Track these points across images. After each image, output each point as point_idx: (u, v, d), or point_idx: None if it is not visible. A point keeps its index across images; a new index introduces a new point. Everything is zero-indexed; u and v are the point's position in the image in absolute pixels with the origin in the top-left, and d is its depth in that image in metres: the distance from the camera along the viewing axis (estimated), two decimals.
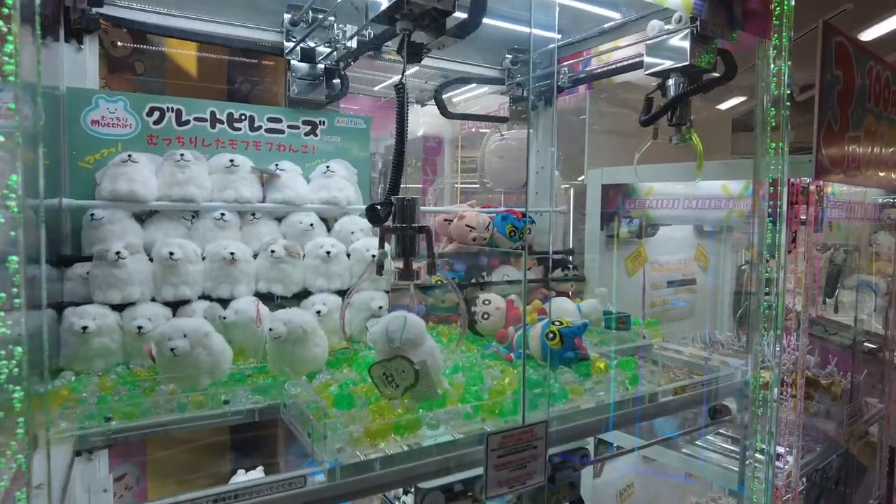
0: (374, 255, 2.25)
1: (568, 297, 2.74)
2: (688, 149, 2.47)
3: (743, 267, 2.56)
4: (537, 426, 1.52)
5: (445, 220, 2.75)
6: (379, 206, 1.64)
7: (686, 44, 2.08)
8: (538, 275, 2.89)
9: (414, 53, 1.72)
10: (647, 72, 2.25)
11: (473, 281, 2.63)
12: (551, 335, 1.84)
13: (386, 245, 1.66)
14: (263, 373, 1.84)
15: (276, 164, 2.38)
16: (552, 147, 3.04)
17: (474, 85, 4.30)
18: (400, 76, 1.70)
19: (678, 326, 3.44)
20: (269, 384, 1.71)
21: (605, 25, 2.47)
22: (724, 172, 2.42)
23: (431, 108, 6.11)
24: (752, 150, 2.21)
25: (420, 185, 5.83)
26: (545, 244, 3.13)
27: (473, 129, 5.59)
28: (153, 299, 2.01)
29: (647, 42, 2.22)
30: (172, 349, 1.62)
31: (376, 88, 5.57)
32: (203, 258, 2.11)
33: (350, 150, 2.59)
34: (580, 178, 3.49)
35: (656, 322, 2.62)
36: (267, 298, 2.16)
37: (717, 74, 2.18)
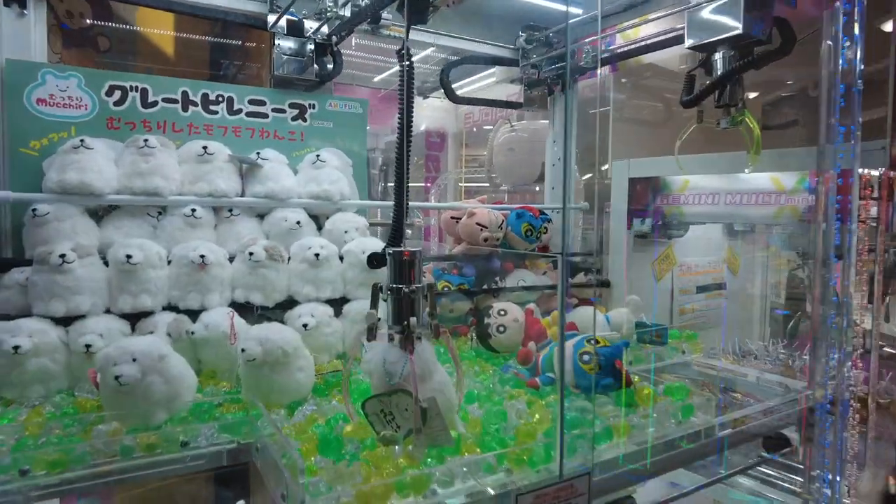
0: (374, 260, 1.92)
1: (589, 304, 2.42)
2: (731, 136, 2.14)
3: (794, 271, 2.24)
4: (578, 479, 1.19)
5: (453, 217, 2.42)
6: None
7: (738, 11, 1.75)
8: (554, 280, 2.57)
9: (418, 11, 1.40)
10: (689, 45, 1.92)
11: (485, 287, 2.30)
12: (586, 357, 1.52)
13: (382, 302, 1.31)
14: (238, 402, 1.52)
15: (258, 153, 2.06)
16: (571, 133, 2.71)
17: (480, 75, 3.99)
18: (403, 42, 1.37)
19: (705, 336, 3.12)
20: (240, 419, 1.38)
21: None
22: (773, 163, 2.10)
23: (434, 100, 5.78)
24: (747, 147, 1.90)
25: (422, 184, 5.51)
26: (563, 245, 2.80)
27: (481, 124, 5.27)
28: (108, 311, 1.68)
29: (690, 10, 1.89)
30: (117, 377, 1.29)
31: (376, 79, 5.24)
32: (169, 262, 1.78)
33: (344, 138, 2.26)
34: (605, 168, 3.16)
35: (695, 335, 2.30)
36: (245, 309, 1.83)
37: (771, 47, 1.86)
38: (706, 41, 1.86)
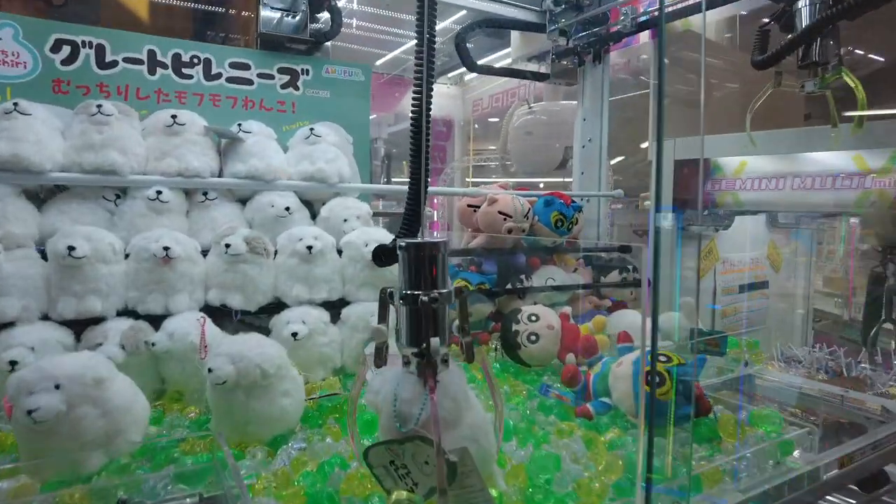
0: (381, 255, 1.58)
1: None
2: (792, 109, 1.80)
3: (877, 268, 1.89)
4: None
5: (470, 206, 2.07)
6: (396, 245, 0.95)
7: None
8: (586, 278, 2.22)
9: None
10: None
11: (509, 286, 1.95)
12: (657, 378, 1.18)
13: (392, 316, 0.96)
14: (204, 438, 1.18)
15: (240, 125, 1.71)
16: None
17: (493, 56, 3.64)
18: None
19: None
20: (203, 465, 1.03)
21: None
22: (856, 139, 1.76)
23: (440, 86, 5.42)
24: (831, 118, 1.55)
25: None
26: (593, 238, 2.46)
27: (490, 112, 4.92)
28: (46, 317, 1.34)
29: None
30: (31, 412, 0.94)
31: (379, 62, 4.87)
32: (126, 256, 1.44)
33: (344, 110, 1.92)
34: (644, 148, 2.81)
35: (757, 342, 1.96)
36: (221, 315, 1.49)
37: None
38: None
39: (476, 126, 5.15)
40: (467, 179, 5.05)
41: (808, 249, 2.93)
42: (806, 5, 1.52)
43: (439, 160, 5.36)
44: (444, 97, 5.08)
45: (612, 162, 2.66)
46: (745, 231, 2.71)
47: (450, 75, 4.90)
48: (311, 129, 1.76)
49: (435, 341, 0.85)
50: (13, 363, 1.21)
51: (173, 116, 1.59)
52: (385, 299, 0.92)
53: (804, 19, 1.52)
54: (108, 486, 0.96)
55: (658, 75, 0.89)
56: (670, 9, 2.08)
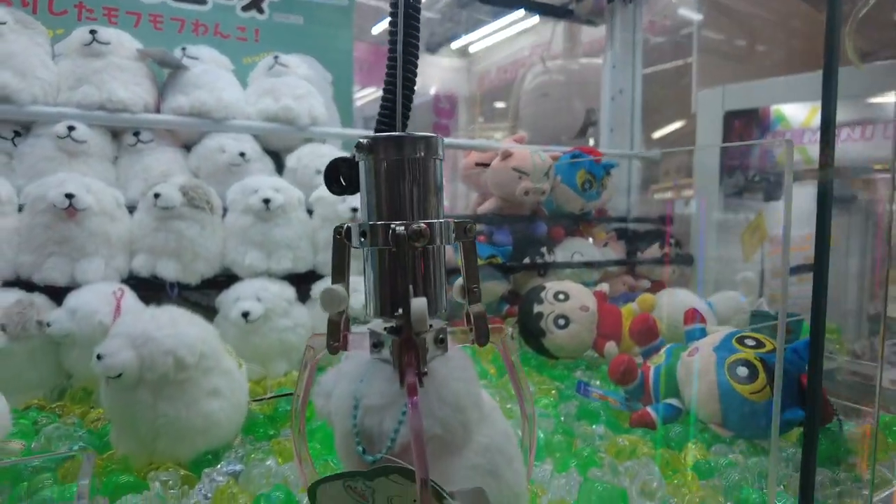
0: (354, 210, 1.21)
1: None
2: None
3: None
4: None
5: (478, 164, 1.70)
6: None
7: None
8: (619, 254, 1.85)
9: None
10: None
11: (527, 261, 1.58)
12: (744, 370, 0.81)
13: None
14: (106, 449, 0.82)
15: (184, 49, 1.34)
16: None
17: (503, 21, 3.27)
18: None
19: None
20: (66, 501, 0.66)
21: None
22: None
23: (442, 59, 5.04)
24: None
25: None
26: (623, 209, 2.09)
27: (499, 85, 4.54)
28: None
29: None
30: None
31: (375, 32, 4.50)
32: (20, 208, 1.07)
33: (320, 40, 1.55)
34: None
35: (839, 329, 1.59)
36: (150, 287, 1.12)
37: None
38: None
39: (481, 118, 4.77)
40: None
41: (863, 227, 2.55)
42: None
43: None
44: (448, 71, 4.70)
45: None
46: (798, 202, 2.34)
47: (453, 46, 4.51)
48: (276, 58, 1.39)
49: (419, 304, 0.48)
50: None
51: (92, 32, 1.22)
52: (341, 241, 0.54)
53: None
54: None
55: None
56: None
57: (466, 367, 0.54)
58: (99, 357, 0.76)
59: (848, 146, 1.65)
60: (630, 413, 0.92)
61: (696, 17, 2.21)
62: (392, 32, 0.56)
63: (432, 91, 4.80)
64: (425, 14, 3.32)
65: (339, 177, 0.62)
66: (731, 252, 2.05)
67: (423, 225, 0.49)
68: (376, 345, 0.52)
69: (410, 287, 0.50)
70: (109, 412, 0.81)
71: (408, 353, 0.48)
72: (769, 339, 0.91)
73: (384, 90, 0.57)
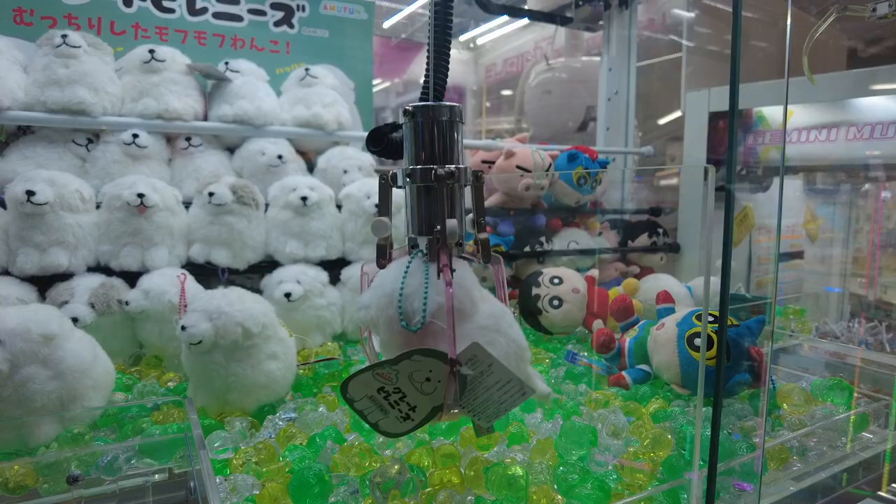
0: (377, 205, 1.40)
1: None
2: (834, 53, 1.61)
3: None
4: None
5: (484, 161, 1.88)
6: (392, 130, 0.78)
7: None
8: (611, 242, 2.03)
9: None
10: None
11: (527, 250, 1.78)
12: (699, 341, 1.00)
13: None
14: (179, 406, 1.02)
15: (227, 63, 1.53)
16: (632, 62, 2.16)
17: (505, 20, 3.42)
18: None
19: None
20: (173, 436, 0.87)
21: None
22: None
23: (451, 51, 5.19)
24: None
25: None
26: (617, 201, 2.27)
27: (505, 78, 4.69)
28: (6, 272, 1.18)
29: None
30: None
31: (386, 25, 4.65)
32: (98, 206, 1.27)
33: (344, 51, 1.73)
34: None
35: (803, 310, 1.77)
36: (206, 273, 1.33)
37: None
38: None
39: (488, 102, 4.93)
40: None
41: (846, 219, 2.71)
42: None
43: None
44: (456, 62, 4.84)
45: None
46: (784, 193, 2.50)
47: (461, 38, 4.66)
48: (307, 70, 1.58)
49: (452, 222, 0.69)
50: None
51: (151, 51, 1.41)
52: (386, 184, 0.75)
53: None
54: (58, 460, 0.80)
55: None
56: None
57: (468, 270, 0.74)
58: (183, 328, 0.96)
59: (817, 146, 1.82)
60: (609, 376, 1.11)
61: (687, 15, 2.37)
62: (430, 23, 0.76)
63: None
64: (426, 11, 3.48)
65: (378, 137, 0.82)
66: (718, 244, 2.23)
67: (453, 168, 0.69)
68: (413, 247, 0.72)
69: (445, 210, 0.71)
70: (189, 372, 1.01)
71: (443, 254, 0.69)
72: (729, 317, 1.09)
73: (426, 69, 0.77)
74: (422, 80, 0.79)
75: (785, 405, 1.01)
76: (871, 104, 1.72)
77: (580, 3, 2.15)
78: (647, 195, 2.64)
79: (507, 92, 4.70)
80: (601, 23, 2.22)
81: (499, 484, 0.71)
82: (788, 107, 1.89)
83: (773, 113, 1.92)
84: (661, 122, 2.98)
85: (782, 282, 2.67)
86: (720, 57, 2.34)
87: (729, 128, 0.63)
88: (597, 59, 2.67)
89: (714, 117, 1.98)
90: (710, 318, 1.07)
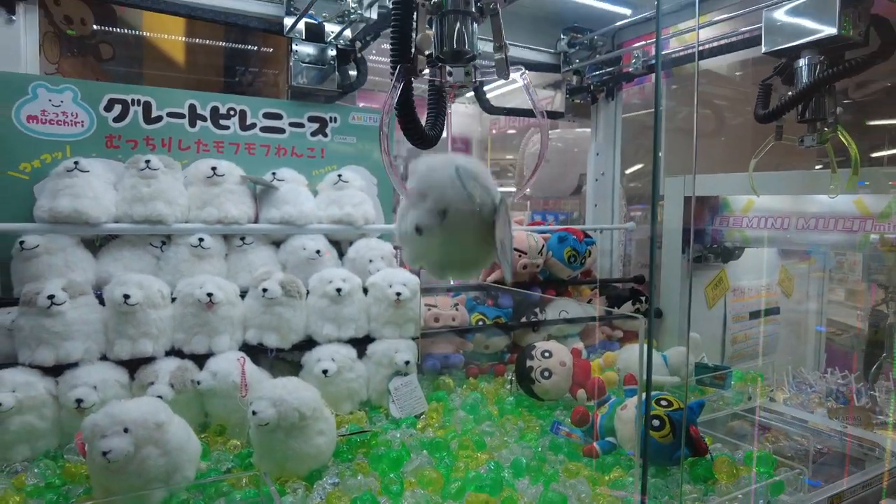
0: (398, 294, 1.71)
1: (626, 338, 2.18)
2: (801, 151, 1.89)
3: (879, 307, 1.97)
4: None
5: None
6: None
7: (832, 10, 1.50)
8: (598, 309, 2.32)
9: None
10: (766, 50, 1.67)
11: (524, 320, 2.07)
12: (657, 422, 1.28)
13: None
14: (250, 468, 1.31)
15: (274, 174, 1.85)
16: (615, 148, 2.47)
17: (512, 80, 3.74)
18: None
19: (753, 365, 2.86)
20: (252, 500, 1.16)
21: None
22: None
23: (458, 106, 5.53)
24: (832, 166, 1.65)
25: None
26: (606, 269, 2.56)
27: (506, 129, 5.02)
28: (104, 358, 1.48)
29: (769, 8, 1.64)
30: (105, 453, 1.08)
31: None
32: (173, 299, 1.58)
33: (369, 154, 2.04)
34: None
35: (761, 375, 2.04)
36: (258, 351, 1.63)
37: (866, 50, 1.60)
38: (789, 45, 1.61)
39: (499, 135, 5.25)
40: None
41: (822, 268, 2.95)
42: (805, 65, 1.61)
43: None
44: (463, 116, 5.19)
45: (629, 171, 2.74)
46: (756, 258, 2.78)
47: (468, 95, 5.00)
48: (339, 176, 1.89)
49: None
50: (79, 401, 1.36)
51: (213, 168, 1.73)
52: None
53: (803, 77, 1.61)
54: None
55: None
56: (680, 54, 2.18)
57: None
58: (254, 412, 1.25)
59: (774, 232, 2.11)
60: (584, 446, 1.40)
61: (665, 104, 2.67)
62: None
63: (443, 134, 5.27)
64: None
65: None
66: (695, 306, 2.50)
67: None
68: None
69: None
70: (255, 444, 1.31)
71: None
72: (678, 401, 1.37)
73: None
74: None
75: (717, 474, 1.29)
76: (820, 200, 2.00)
77: (568, 95, 2.46)
78: (635, 258, 2.93)
79: (511, 131, 5.05)
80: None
81: None
82: (748, 196, 2.18)
83: (735, 200, 2.22)
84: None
85: (758, 336, 2.94)
86: (689, 134, 2.64)
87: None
88: (588, 130, 2.98)
89: (688, 200, 2.28)
90: (664, 403, 1.36)
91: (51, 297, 1.39)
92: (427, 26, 1.06)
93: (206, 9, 1.80)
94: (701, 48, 2.05)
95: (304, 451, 1.28)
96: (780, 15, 1.63)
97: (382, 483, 1.24)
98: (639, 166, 3.32)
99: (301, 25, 1.88)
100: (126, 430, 1.12)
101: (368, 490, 1.19)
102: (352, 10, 1.86)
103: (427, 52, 1.04)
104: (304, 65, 1.93)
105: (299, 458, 1.28)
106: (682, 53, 2.15)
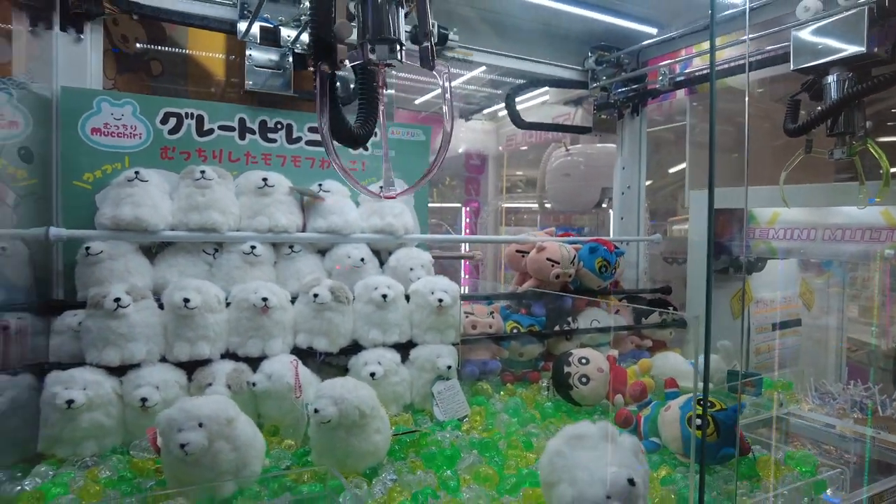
0: (440, 300, 1.77)
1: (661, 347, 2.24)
2: (826, 164, 1.96)
3: None
4: None
5: (518, 251, 2.25)
6: None
7: (861, 28, 1.57)
8: (627, 319, 2.38)
9: None
10: (795, 67, 1.74)
11: (557, 328, 2.12)
12: (700, 423, 1.33)
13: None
14: (308, 465, 1.36)
15: (320, 185, 1.92)
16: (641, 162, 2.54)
17: (528, 95, 3.84)
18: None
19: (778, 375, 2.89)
20: (318, 494, 1.21)
21: (727, 13, 1.96)
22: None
23: (475, 123, 5.64)
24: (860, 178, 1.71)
25: (457, 204, 5.37)
26: (633, 280, 2.62)
27: (521, 144, 5.11)
28: (163, 359, 1.54)
29: (797, 27, 1.72)
30: (183, 445, 1.14)
31: (417, 101, 5.12)
32: (227, 304, 1.64)
33: (406, 166, 2.12)
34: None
35: (791, 384, 2.08)
36: (307, 355, 1.68)
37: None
38: (818, 62, 1.68)
39: (517, 150, 5.35)
40: (503, 205, 5.29)
41: (841, 282, 3.00)
42: (834, 81, 1.68)
43: (474, 192, 5.57)
44: (479, 133, 5.29)
45: (648, 184, 2.81)
46: (778, 271, 2.84)
47: (485, 111, 5.11)
48: (381, 187, 1.95)
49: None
50: (143, 399, 1.42)
51: (264, 179, 1.80)
52: None
53: (832, 93, 1.69)
54: None
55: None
56: (704, 72, 2.26)
57: None
58: (316, 410, 1.31)
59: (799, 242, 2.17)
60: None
61: (688, 121, 2.76)
62: None
63: (461, 149, 5.39)
64: (465, 88, 3.90)
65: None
66: (721, 316, 2.55)
67: None
68: None
69: None
70: (315, 442, 1.36)
71: None
72: (719, 402, 1.42)
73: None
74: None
75: (761, 472, 1.33)
76: (846, 211, 2.06)
77: (595, 111, 2.54)
78: (661, 268, 2.98)
79: (524, 147, 5.15)
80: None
81: None
82: (774, 209, 2.24)
83: (761, 213, 2.28)
84: (671, 170, 3.35)
85: (783, 347, 2.98)
86: (722, 152, 2.71)
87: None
88: (609, 145, 3.06)
89: (717, 212, 2.33)
90: (709, 404, 1.41)
91: (117, 299, 1.46)
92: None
93: (171, 11, 1.79)
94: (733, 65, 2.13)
95: (364, 448, 1.33)
96: (808, 34, 1.71)
97: (439, 479, 1.28)
98: (657, 180, 3.40)
99: (255, 30, 1.86)
100: (200, 425, 1.17)
101: (428, 486, 1.24)
102: (307, 14, 1.86)
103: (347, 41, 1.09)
104: (258, 69, 1.93)
105: (359, 455, 1.33)
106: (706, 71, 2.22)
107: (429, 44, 1.15)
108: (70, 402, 1.35)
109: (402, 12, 1.15)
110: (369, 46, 1.13)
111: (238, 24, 1.85)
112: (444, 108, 1.22)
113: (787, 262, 2.83)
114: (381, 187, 1.45)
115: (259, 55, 1.93)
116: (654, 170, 3.32)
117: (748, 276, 2.58)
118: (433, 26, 1.16)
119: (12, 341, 1.49)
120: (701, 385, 1.36)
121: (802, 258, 2.46)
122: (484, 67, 2.58)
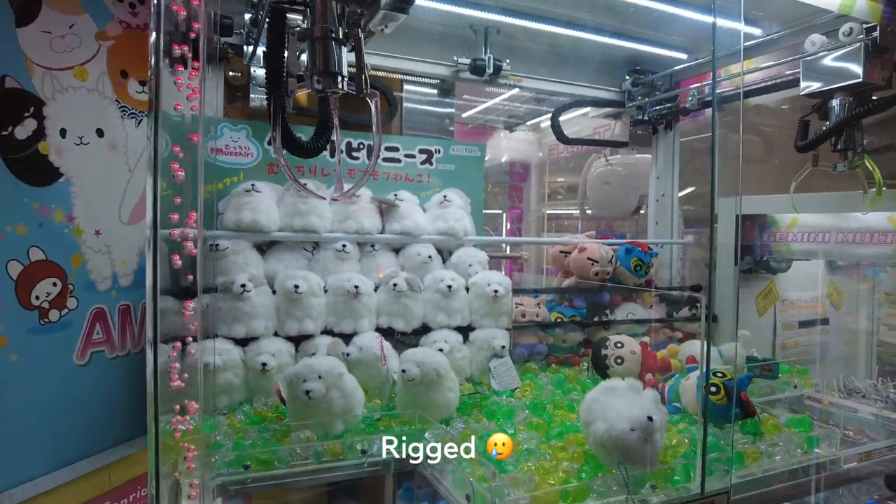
0: (495, 291, 2.11)
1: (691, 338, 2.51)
2: (842, 175, 2.21)
3: None
4: (718, 497, 1.31)
5: (562, 251, 2.57)
6: None
7: (858, 60, 1.85)
8: (660, 314, 2.66)
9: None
10: (804, 92, 2.02)
11: (596, 319, 2.43)
12: (714, 388, 1.63)
13: None
14: (394, 418, 1.72)
15: (395, 194, 2.29)
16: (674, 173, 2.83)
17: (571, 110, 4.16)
18: None
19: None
20: (406, 431, 1.57)
21: (748, 43, 2.25)
22: (889, 203, 2.14)
23: (518, 133, 5.96)
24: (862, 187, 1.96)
25: (498, 211, 5.70)
26: (666, 279, 2.90)
27: (563, 152, 5.41)
28: (276, 334, 1.94)
29: (806, 57, 2.00)
30: (308, 392, 1.51)
31: (464, 115, 5.48)
32: (325, 291, 2.03)
33: (464, 178, 2.48)
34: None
35: (806, 370, 2.33)
36: (387, 333, 2.05)
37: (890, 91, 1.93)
38: (824, 88, 1.96)
39: (558, 158, 5.64)
40: (545, 210, 5.59)
41: (868, 290, 3.19)
42: (837, 104, 1.96)
43: (517, 199, 5.90)
44: (522, 142, 5.62)
45: (682, 193, 3.08)
46: (805, 273, 3.06)
47: (528, 123, 5.43)
48: (444, 196, 2.32)
49: None
50: (264, 364, 1.81)
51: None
52: None
53: (836, 115, 1.96)
54: (353, 441, 1.51)
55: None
56: (729, 92, 2.54)
57: None
58: (403, 371, 1.67)
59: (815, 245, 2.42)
60: None
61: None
62: None
63: (504, 158, 5.72)
64: (507, 105, 4.23)
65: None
66: (746, 312, 2.80)
67: None
68: None
69: None
70: (401, 398, 1.71)
71: None
72: (730, 372, 1.71)
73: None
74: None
75: (763, 428, 1.62)
76: (858, 216, 2.31)
77: (632, 127, 2.85)
78: (699, 272, 3.24)
79: (563, 154, 5.45)
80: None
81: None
82: (793, 215, 2.50)
83: (780, 219, 2.54)
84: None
85: (809, 344, 3.19)
86: (748, 162, 2.97)
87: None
88: (646, 156, 3.34)
89: (742, 218, 2.61)
90: (720, 374, 1.71)
91: (243, 285, 1.86)
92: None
93: None
94: (749, 87, 2.41)
95: (440, 402, 1.68)
96: (815, 63, 1.99)
97: (499, 427, 1.62)
98: (692, 188, 3.66)
99: (260, 52, 2.04)
100: (320, 377, 1.55)
101: (491, 431, 1.58)
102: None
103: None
104: (261, 88, 2.21)
105: (436, 407, 1.68)
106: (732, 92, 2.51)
107: (364, 76, 1.45)
108: (264, 365, 1.78)
109: (345, 50, 1.43)
110: (316, 78, 1.43)
111: (244, 48, 2.13)
112: (374, 129, 1.59)
113: (812, 264, 3.06)
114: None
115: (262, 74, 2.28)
116: (690, 177, 3.58)
117: (773, 276, 2.82)
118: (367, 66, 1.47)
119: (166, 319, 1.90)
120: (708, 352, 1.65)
121: (816, 259, 2.69)
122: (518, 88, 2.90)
